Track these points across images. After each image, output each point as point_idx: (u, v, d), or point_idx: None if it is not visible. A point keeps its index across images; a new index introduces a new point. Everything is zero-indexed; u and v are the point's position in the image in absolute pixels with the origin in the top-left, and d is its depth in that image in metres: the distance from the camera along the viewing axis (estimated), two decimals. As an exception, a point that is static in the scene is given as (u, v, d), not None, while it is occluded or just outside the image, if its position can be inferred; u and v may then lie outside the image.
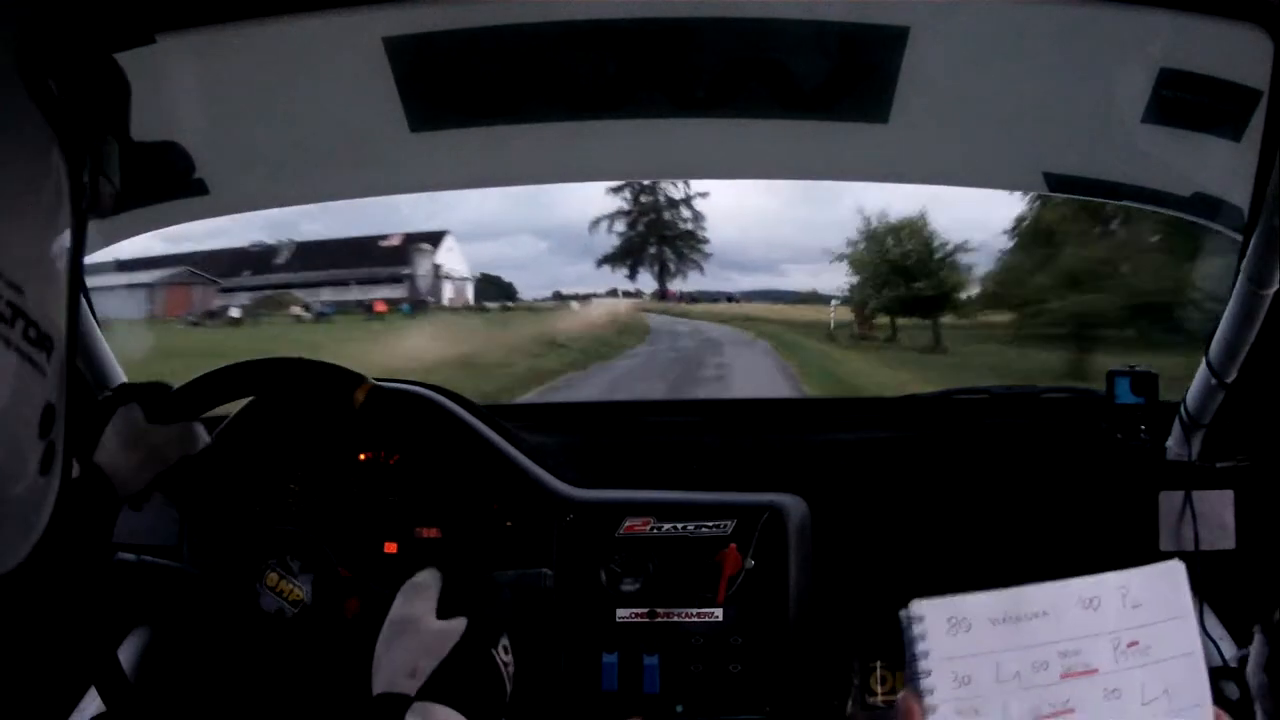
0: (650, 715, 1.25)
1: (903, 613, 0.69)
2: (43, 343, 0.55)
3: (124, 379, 1.42)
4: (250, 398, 1.29)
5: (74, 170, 0.58)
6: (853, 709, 1.36)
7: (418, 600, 0.91)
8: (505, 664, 0.90)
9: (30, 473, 0.55)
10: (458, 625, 0.89)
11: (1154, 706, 0.69)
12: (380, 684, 0.86)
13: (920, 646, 0.68)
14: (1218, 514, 1.33)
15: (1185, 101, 1.19)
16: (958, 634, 0.68)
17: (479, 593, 0.95)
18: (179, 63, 1.18)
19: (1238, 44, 1.04)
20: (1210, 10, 1.05)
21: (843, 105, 1.33)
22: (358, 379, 1.09)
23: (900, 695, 0.68)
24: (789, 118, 1.36)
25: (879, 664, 1.38)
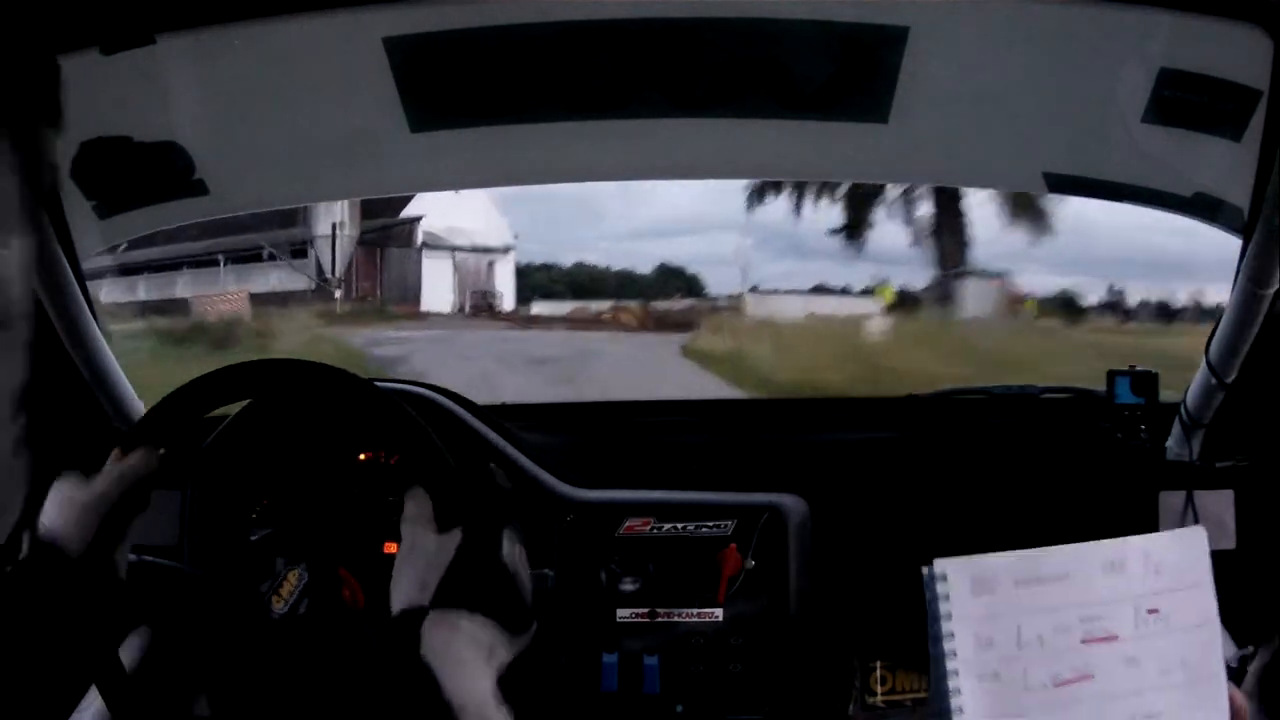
0: (650, 715, 1.25)
1: (925, 570, 0.67)
2: (11, 324, 0.57)
3: (143, 410, 1.39)
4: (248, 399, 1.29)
5: (21, 160, 0.58)
6: (853, 709, 1.36)
7: (415, 528, 0.91)
8: (513, 567, 0.89)
9: (6, 452, 0.58)
10: (455, 536, 0.88)
11: (1170, 677, 0.67)
12: (397, 604, 0.86)
13: (943, 607, 0.66)
14: (1218, 514, 1.33)
15: (1185, 101, 1.18)
16: (980, 595, 0.66)
17: (474, 501, 0.94)
18: (179, 63, 1.18)
19: (1238, 44, 1.04)
20: (1210, 10, 1.05)
21: (843, 105, 1.33)
22: (354, 378, 1.09)
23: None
24: (789, 118, 1.35)
25: (879, 664, 1.37)
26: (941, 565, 0.67)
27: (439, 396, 1.34)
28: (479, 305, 7.11)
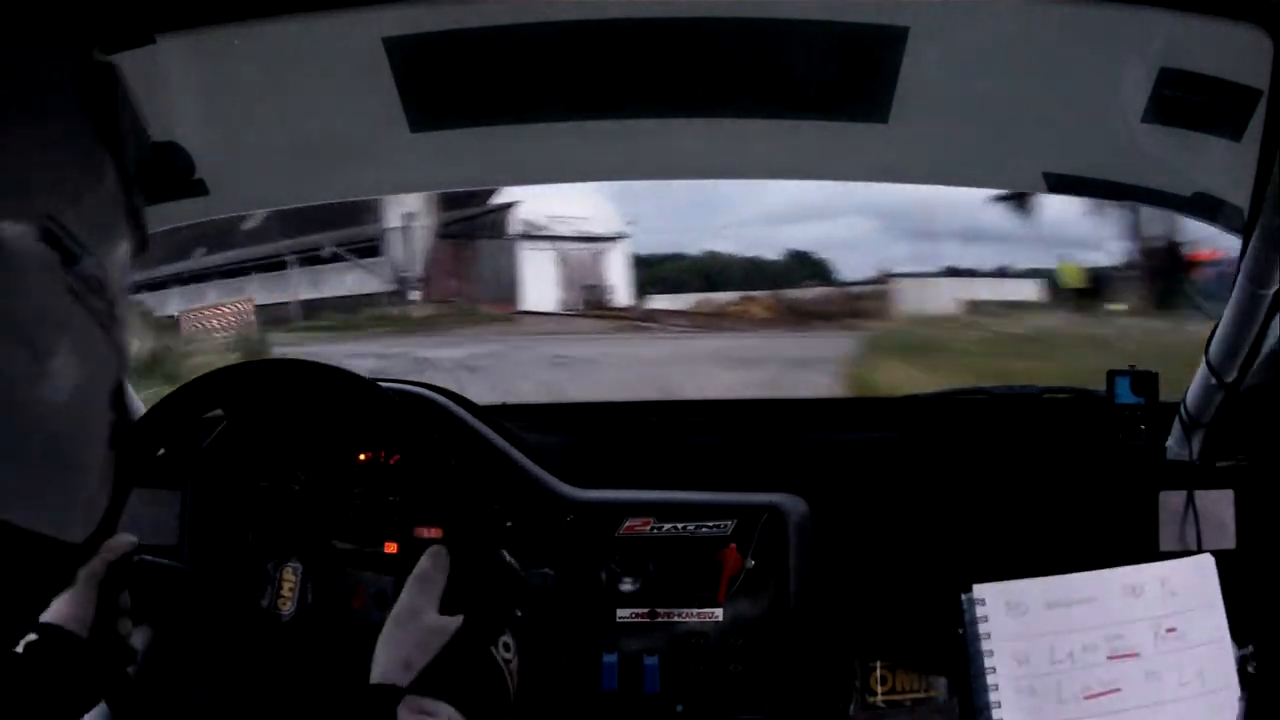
0: (650, 715, 1.25)
1: (964, 596, 0.75)
2: (119, 320, 0.57)
3: (142, 409, 1.39)
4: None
5: (116, 157, 0.59)
6: (853, 709, 1.36)
7: (422, 594, 0.92)
8: (506, 661, 0.90)
9: (104, 443, 0.57)
10: (454, 622, 0.90)
11: (1189, 688, 0.75)
12: (376, 675, 0.87)
13: (983, 628, 0.74)
14: (1218, 514, 1.33)
15: (1185, 101, 1.18)
16: (1016, 616, 0.74)
17: (483, 589, 0.95)
18: (179, 63, 1.18)
19: (1238, 44, 1.04)
20: (1210, 10, 1.05)
21: (842, 105, 1.33)
22: (356, 378, 1.09)
23: None
24: (789, 118, 1.35)
25: (879, 664, 1.37)
26: (979, 590, 0.75)
27: (439, 396, 1.34)
28: (589, 301, 6.07)
